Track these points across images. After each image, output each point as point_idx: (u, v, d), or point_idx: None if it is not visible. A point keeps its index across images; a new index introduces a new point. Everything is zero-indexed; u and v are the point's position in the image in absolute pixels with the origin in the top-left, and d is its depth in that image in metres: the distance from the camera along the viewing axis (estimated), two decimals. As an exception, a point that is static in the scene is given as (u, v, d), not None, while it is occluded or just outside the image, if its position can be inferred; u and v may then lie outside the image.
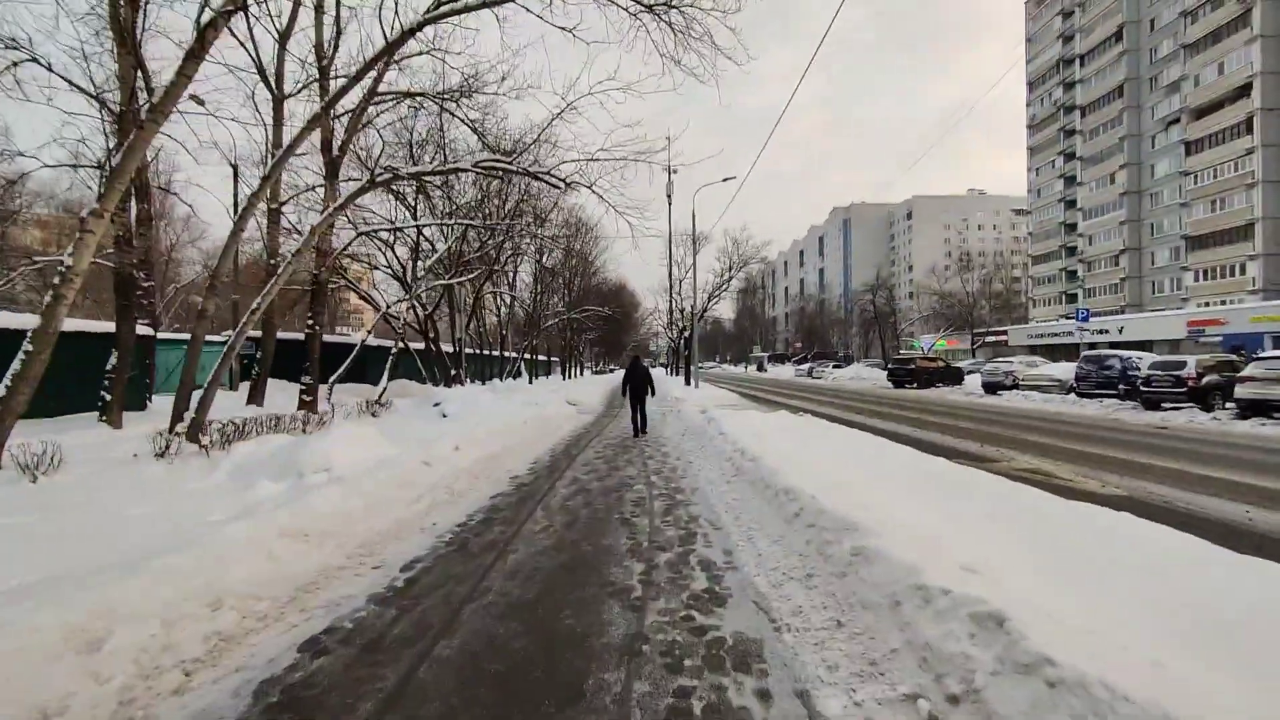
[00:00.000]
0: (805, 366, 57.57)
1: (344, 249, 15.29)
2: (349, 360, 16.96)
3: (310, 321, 14.21)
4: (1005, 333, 57.11)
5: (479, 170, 11.19)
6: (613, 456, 9.65)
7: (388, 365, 16.76)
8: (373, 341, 26.74)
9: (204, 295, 10.15)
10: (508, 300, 37.41)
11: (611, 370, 68.74)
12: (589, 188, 12.06)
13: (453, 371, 24.54)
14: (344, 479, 5.97)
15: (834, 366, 54.26)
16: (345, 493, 5.31)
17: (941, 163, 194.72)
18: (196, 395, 9.06)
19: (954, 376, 31.42)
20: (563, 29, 10.37)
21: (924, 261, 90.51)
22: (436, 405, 13.57)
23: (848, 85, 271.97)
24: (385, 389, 16.10)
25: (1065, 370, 21.00)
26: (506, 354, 39.29)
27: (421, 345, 25.50)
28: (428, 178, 14.01)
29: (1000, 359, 27.45)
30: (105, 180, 8.10)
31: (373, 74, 14.52)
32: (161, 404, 13.07)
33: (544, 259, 35.49)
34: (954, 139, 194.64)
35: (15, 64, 13.41)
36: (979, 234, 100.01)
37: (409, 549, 4.69)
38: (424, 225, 17.33)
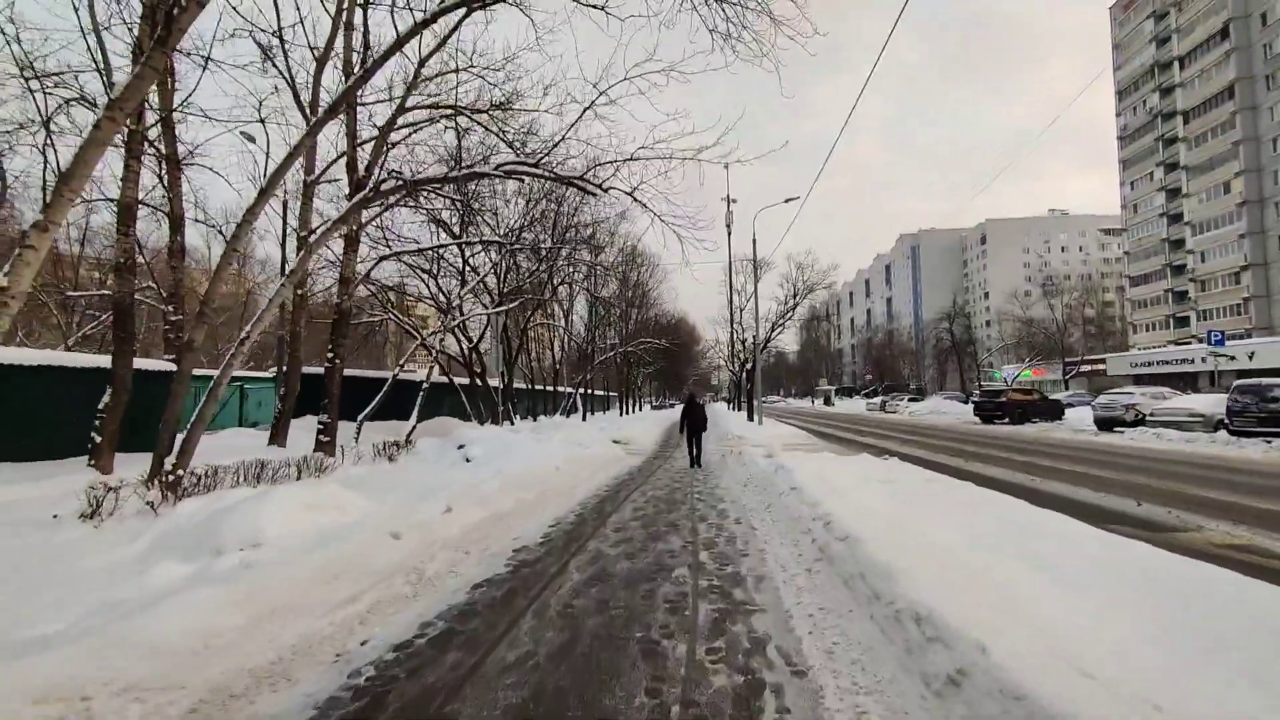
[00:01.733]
0: (877, 400, 53.68)
1: (367, 274, 14.15)
2: (379, 397, 15.74)
3: (330, 354, 12.98)
4: (1103, 361, 51.63)
5: (500, 175, 9.70)
6: (654, 517, 7.62)
7: (417, 402, 15.38)
8: (420, 377, 25.83)
9: (191, 324, 9.03)
10: (561, 333, 36.27)
11: (671, 405, 66.57)
12: (629, 194, 10.39)
13: (500, 408, 23.19)
14: (257, 564, 4.25)
15: (909, 400, 50.26)
16: (228, 594, 3.55)
17: (1010, 188, 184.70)
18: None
19: (1053, 410, 27.77)
20: (593, 6, 8.87)
21: (1001, 288, 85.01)
22: (461, 448, 11.94)
23: (907, 112, 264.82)
24: (414, 428, 14.70)
25: (1208, 403, 17.47)
26: (560, 389, 37.96)
27: (467, 380, 24.31)
28: (445, 190, 12.71)
29: (1117, 390, 23.78)
30: (53, 188, 7.03)
31: (391, 74, 13.54)
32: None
33: (599, 289, 34.26)
34: (1022, 163, 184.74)
35: (67, 102, 13.09)
36: (1062, 256, 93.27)
37: (281, 708, 2.85)
38: (450, 245, 16.08)
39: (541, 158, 9.45)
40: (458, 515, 6.32)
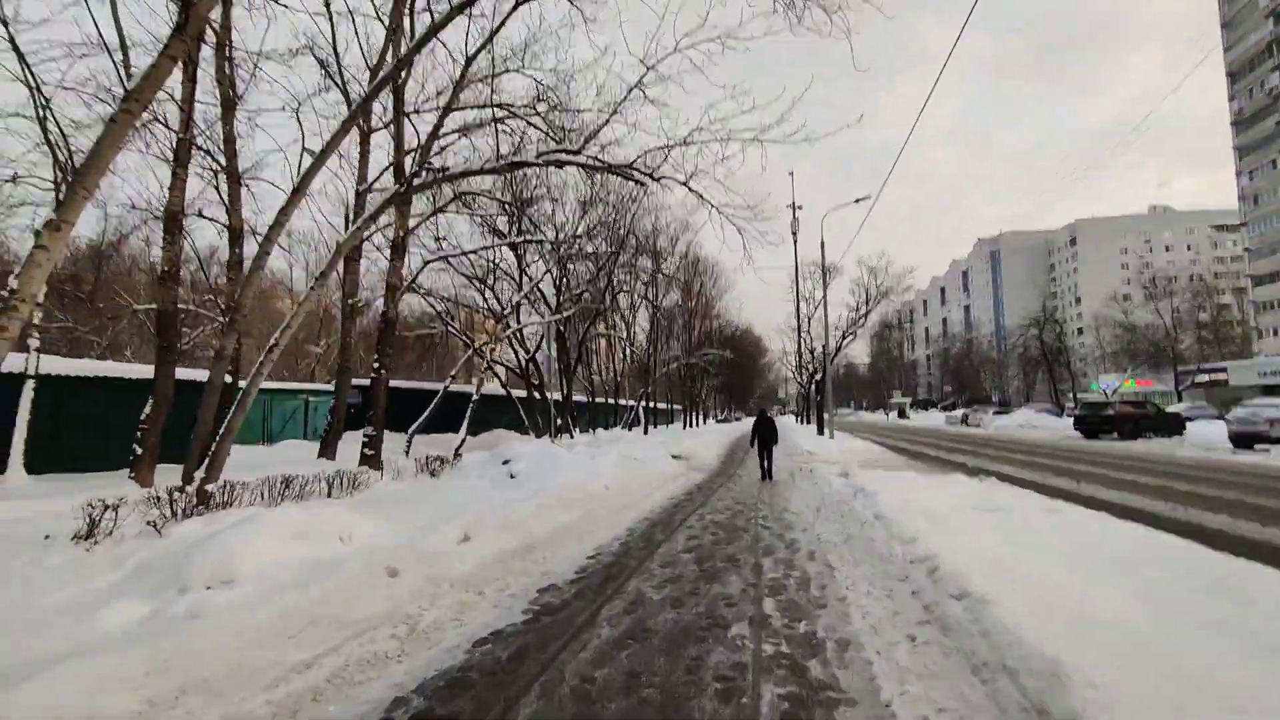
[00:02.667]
0: (958, 413, 49.96)
1: (413, 279, 13.72)
2: (429, 409, 15.30)
3: (376, 364, 12.56)
4: (1224, 370, 46.14)
5: (542, 163, 8.94)
6: (712, 549, 6.48)
7: (466, 415, 14.79)
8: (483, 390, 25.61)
9: (222, 333, 8.68)
10: (622, 345, 35.57)
11: (738, 418, 64.75)
12: (684, 183, 9.42)
13: (558, 421, 22.53)
14: (204, 613, 3.45)
15: (995, 413, 46.46)
16: (142, 659, 2.72)
17: (1094, 191, 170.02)
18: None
19: (1171, 424, 24.61)
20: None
21: (1094, 292, 78.32)
22: (506, 463, 11.16)
23: (979, 114, 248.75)
24: (463, 441, 14.11)
25: (1381, 417, 14.65)
26: (622, 402, 37.15)
27: (525, 393, 23.80)
28: (495, 194, 12.07)
29: (1258, 402, 20.58)
30: (67, 186, 6.74)
31: (442, 86, 13.04)
32: (241, 455, 11.74)
33: (660, 298, 33.41)
34: (1107, 164, 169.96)
35: (144, 124, 13.38)
36: (1167, 256, 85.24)
37: None
38: (499, 245, 15.53)
39: (584, 144, 8.60)
40: (477, 545, 5.41)
